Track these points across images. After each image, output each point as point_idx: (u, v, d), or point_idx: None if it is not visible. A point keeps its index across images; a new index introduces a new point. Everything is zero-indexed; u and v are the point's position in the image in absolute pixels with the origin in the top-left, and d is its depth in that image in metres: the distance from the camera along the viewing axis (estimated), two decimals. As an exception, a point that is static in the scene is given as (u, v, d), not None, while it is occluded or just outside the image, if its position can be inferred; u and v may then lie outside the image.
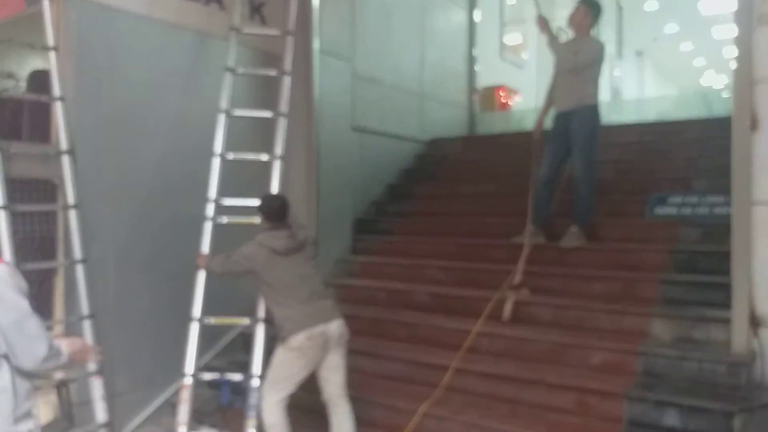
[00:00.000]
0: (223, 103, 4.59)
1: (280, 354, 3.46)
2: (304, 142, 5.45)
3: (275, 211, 3.63)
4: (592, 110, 4.90)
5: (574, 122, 4.87)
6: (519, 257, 4.70)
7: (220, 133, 4.52)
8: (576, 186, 4.88)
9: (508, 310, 4.37)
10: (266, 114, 4.70)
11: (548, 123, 5.20)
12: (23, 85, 4.72)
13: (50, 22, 3.90)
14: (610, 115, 7.43)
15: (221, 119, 4.55)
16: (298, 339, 3.39)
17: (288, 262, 3.52)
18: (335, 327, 3.50)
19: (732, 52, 3.86)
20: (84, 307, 3.89)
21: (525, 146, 5.32)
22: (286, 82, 4.76)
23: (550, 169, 5.01)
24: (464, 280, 5.05)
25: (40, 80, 4.19)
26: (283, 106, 4.68)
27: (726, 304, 3.67)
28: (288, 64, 4.85)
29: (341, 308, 3.66)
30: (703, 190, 4.93)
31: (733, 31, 3.75)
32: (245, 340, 4.67)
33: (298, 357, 3.42)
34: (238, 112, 4.64)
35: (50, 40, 3.89)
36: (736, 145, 3.67)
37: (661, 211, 4.94)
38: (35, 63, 4.69)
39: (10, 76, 5.02)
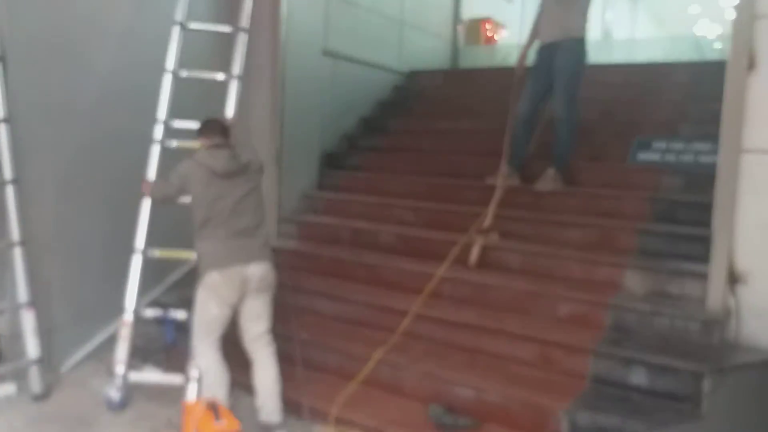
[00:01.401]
0: (178, 15, 4.14)
1: (198, 293, 3.18)
2: (268, 62, 5.00)
3: (215, 126, 3.27)
4: (579, 43, 4.55)
5: (559, 55, 4.52)
6: (491, 200, 4.43)
7: (174, 47, 4.10)
8: (556, 125, 4.58)
9: (475, 254, 4.13)
10: (225, 28, 4.27)
11: (532, 58, 4.84)
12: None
13: None
14: (598, 54, 7.07)
15: (175, 32, 4.12)
16: (212, 277, 3.10)
17: (226, 186, 3.15)
18: (256, 269, 3.15)
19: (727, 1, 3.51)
20: (14, 233, 3.56)
21: (508, 83, 4.95)
22: (248, -2, 4.31)
23: (530, 106, 4.69)
24: (432, 221, 4.77)
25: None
26: (244, 20, 4.25)
27: (704, 258, 3.44)
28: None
29: (301, 245, 3.36)
30: (690, 136, 4.66)
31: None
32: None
33: (211, 297, 3.13)
34: (194, 26, 4.20)
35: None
36: (729, 87, 3.36)
37: (644, 156, 4.66)
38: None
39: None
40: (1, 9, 3.52)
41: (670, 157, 4.55)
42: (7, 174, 3.56)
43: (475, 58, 8.26)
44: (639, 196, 4.34)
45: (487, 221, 4.29)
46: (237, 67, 4.15)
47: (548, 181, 4.55)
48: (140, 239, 3.79)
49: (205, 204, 3.14)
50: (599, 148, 4.98)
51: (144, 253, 3.79)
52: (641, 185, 4.45)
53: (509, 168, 4.69)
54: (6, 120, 3.52)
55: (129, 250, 3.80)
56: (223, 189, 3.15)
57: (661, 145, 4.60)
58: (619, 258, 3.87)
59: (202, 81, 4.16)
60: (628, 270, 3.75)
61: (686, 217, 4.01)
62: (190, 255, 3.82)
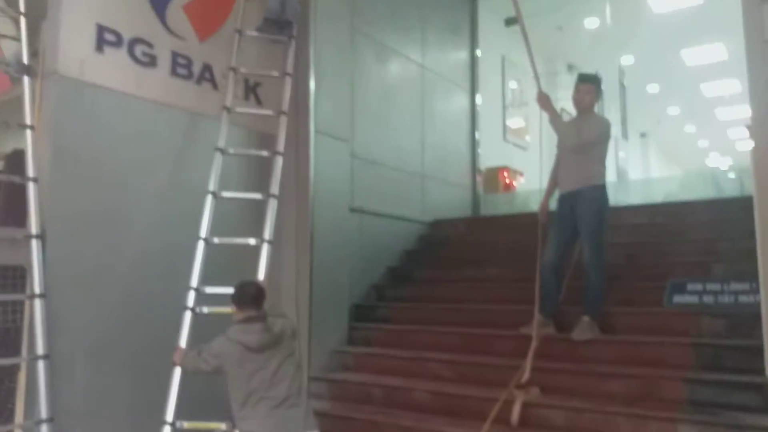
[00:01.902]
0: (212, 185, 4.36)
1: None
2: (297, 224, 5.17)
3: (248, 298, 3.29)
4: (599, 190, 4.64)
5: (580, 203, 4.60)
6: (527, 350, 4.30)
7: (207, 215, 4.27)
8: (586, 272, 4.55)
9: (516, 412, 3.93)
10: (256, 196, 4.46)
11: (553, 204, 4.94)
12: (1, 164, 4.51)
13: (29, 100, 3.73)
14: (617, 196, 7.21)
15: (208, 201, 4.31)
16: None
17: (262, 359, 3.13)
18: None
19: (736, 133, 3.62)
20: (42, 410, 3.50)
21: (530, 228, 5.04)
22: (278, 162, 4.56)
23: (557, 253, 4.69)
24: (468, 376, 4.62)
25: (19, 160, 3.98)
26: (274, 187, 4.45)
27: (764, 410, 3.24)
28: (280, 144, 4.67)
29: (332, 407, 3.25)
30: (725, 276, 4.57)
31: (736, 113, 3.51)
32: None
33: None
34: (227, 194, 4.40)
35: (27, 119, 3.70)
36: (761, 226, 3.35)
37: (680, 299, 4.56)
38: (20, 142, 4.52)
39: (-7, 154, 4.83)
40: (43, 188, 3.72)
41: (708, 299, 4.44)
42: (40, 349, 3.57)
43: (496, 205, 8.47)
44: (680, 341, 4.18)
45: (526, 375, 4.14)
46: (268, 232, 4.28)
47: (584, 329, 4.43)
48: (170, 411, 3.70)
49: (244, 381, 3.11)
50: (631, 292, 4.90)
51: (173, 425, 3.68)
52: (681, 330, 4.32)
53: (542, 317, 4.61)
54: (42, 295, 3.59)
55: (159, 421, 3.70)
56: (259, 363, 3.12)
57: (696, 286, 4.51)
58: (668, 411, 3.65)
59: (233, 245, 4.27)
60: (681, 424, 3.52)
61: (735, 362, 3.84)
62: (219, 426, 3.71)
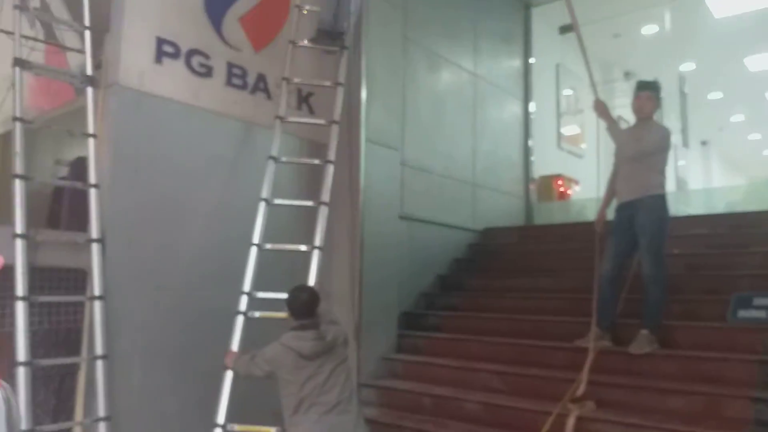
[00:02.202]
0: (264, 192, 4.43)
1: None
2: (348, 231, 5.20)
3: (302, 306, 3.30)
4: (659, 200, 4.48)
5: (640, 214, 4.45)
6: (582, 363, 4.18)
7: (260, 222, 4.33)
8: (644, 284, 4.39)
9: (570, 427, 3.82)
10: (307, 203, 4.51)
11: (611, 214, 4.80)
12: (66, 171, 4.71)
13: (92, 110, 3.88)
14: (676, 206, 6.96)
15: (261, 208, 4.37)
16: None
17: (315, 366, 3.15)
18: None
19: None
20: (101, 408, 3.60)
21: (586, 237, 4.91)
22: (329, 170, 4.59)
23: (615, 265, 4.55)
24: (521, 388, 4.52)
25: (82, 167, 4.14)
26: (325, 194, 4.48)
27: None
28: (332, 153, 4.70)
29: (381, 414, 3.24)
30: (796, 291, 4.34)
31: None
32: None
33: None
34: (279, 201, 4.46)
35: (90, 128, 3.85)
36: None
37: (745, 314, 4.34)
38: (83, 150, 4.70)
39: (58, 162, 5.04)
40: (103, 194, 3.85)
41: (777, 315, 4.22)
42: (98, 350, 3.68)
43: (550, 214, 8.30)
44: (745, 358, 3.98)
45: (581, 388, 4.02)
46: (318, 239, 4.31)
47: (643, 342, 4.27)
48: (221, 414, 3.75)
49: (296, 387, 3.13)
50: (691, 305, 4.70)
51: (224, 427, 3.73)
52: (746, 346, 4.11)
53: (599, 329, 4.47)
54: (101, 297, 3.70)
55: (210, 423, 3.76)
56: (311, 370, 3.15)
57: (763, 301, 4.29)
58: (732, 431, 3.47)
59: (285, 252, 4.32)
60: (748, 445, 3.35)
61: (806, 382, 3.63)
62: (270, 430, 3.73)
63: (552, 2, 8.22)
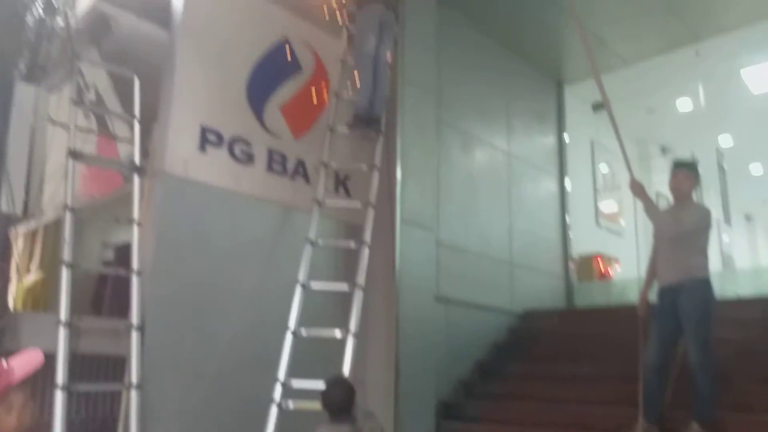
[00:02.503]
0: (301, 276, 4.45)
1: None
2: (384, 315, 5.15)
3: (337, 404, 3.24)
4: (704, 284, 4.32)
5: (683, 299, 4.29)
6: (630, 459, 3.96)
7: (296, 306, 4.34)
8: (692, 373, 4.19)
9: None
10: (342, 287, 4.50)
11: (653, 297, 4.65)
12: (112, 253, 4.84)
13: (137, 197, 4.01)
14: (723, 286, 6.72)
15: (298, 292, 4.39)
16: None
17: None
18: None
19: None
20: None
21: (629, 321, 4.74)
22: (365, 253, 4.61)
23: (660, 352, 4.36)
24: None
25: (127, 252, 4.25)
26: (360, 278, 4.48)
27: None
28: (367, 235, 4.73)
29: None
30: None
31: None
32: None
33: None
34: (315, 286, 4.47)
35: (135, 215, 3.97)
36: None
37: (805, 406, 4.09)
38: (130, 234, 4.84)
39: (105, 245, 5.19)
40: (145, 280, 3.92)
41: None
42: (133, 440, 3.65)
43: (591, 294, 8.10)
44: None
45: (629, 486, 3.79)
46: (353, 324, 4.28)
47: (694, 437, 4.04)
48: None
49: None
50: (746, 395, 4.44)
51: None
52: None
53: (646, 421, 4.25)
54: (139, 386, 3.71)
55: None
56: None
57: (823, 393, 4.05)
58: None
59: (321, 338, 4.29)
60: None
61: None
62: None
63: (584, 80, 8.33)
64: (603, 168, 9.78)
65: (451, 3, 6.56)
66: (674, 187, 4.59)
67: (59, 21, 4.01)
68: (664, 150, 10.39)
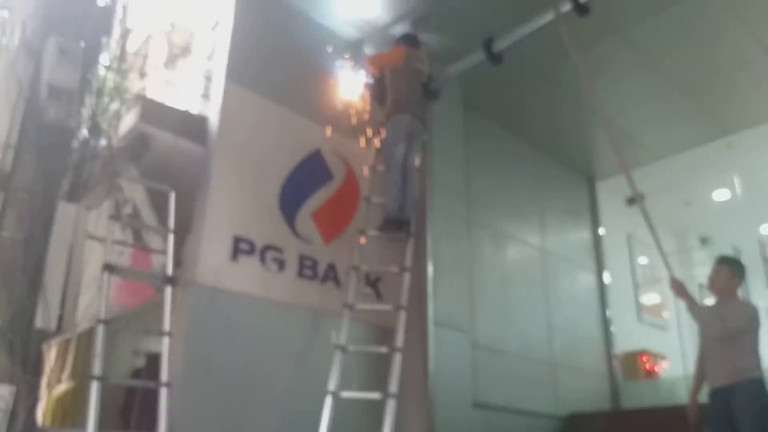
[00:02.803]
0: (332, 384, 4.36)
1: None
2: (419, 424, 4.95)
3: None
4: (758, 384, 4.07)
5: (738, 401, 4.04)
6: None
7: (326, 418, 4.22)
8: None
9: None
10: (374, 396, 4.38)
11: (704, 398, 4.39)
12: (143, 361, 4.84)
13: (168, 309, 4.06)
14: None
15: (328, 402, 4.28)
16: None
17: None
18: None
19: None
20: None
21: (680, 424, 4.46)
22: (397, 359, 4.50)
23: (717, 460, 4.06)
24: None
25: (157, 362, 4.24)
26: (393, 386, 4.35)
27: None
28: (399, 339, 4.64)
29: None
30: None
31: None
32: None
33: None
34: (346, 394, 4.36)
35: (166, 326, 4.00)
36: None
37: None
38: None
39: (136, 353, 5.21)
40: (175, 392, 3.87)
41: None
42: None
43: (638, 394, 7.69)
44: None
45: None
46: (387, 435, 4.12)
47: None
48: None
49: None
50: None
51: None
52: None
53: None
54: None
55: None
56: None
57: None
58: None
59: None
60: None
61: None
62: None
63: (615, 175, 8.31)
64: (642, 260, 9.57)
65: (477, 106, 6.76)
66: (718, 286, 4.44)
67: (102, 141, 4.25)
68: (704, 241, 10.14)
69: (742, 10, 5.54)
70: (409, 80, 5.33)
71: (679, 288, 4.51)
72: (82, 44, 3.83)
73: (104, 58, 4.27)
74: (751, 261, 10.26)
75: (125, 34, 4.49)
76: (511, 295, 6.71)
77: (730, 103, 6.97)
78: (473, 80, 6.08)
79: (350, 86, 5.60)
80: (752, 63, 6.23)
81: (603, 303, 8.18)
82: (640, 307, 9.21)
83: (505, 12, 5.26)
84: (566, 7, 4.76)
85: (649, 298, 9.59)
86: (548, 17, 4.89)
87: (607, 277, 8.33)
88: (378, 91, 5.46)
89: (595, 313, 8.06)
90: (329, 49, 5.65)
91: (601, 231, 8.59)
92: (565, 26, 4.76)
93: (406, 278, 5.02)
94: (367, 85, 5.59)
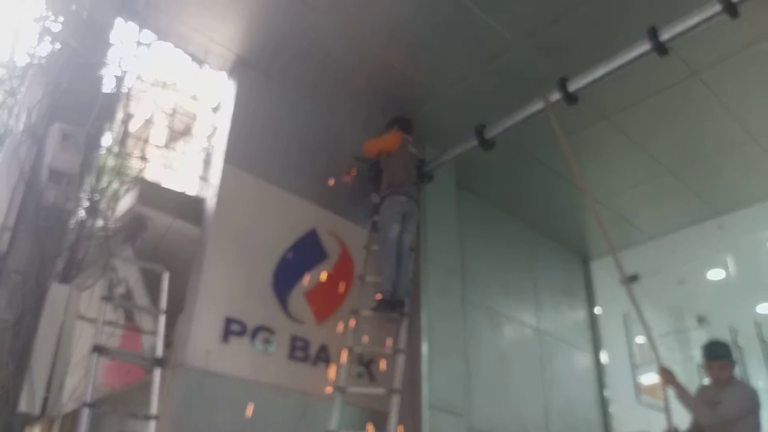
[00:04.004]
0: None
1: None
2: None
3: None
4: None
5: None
6: None
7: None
8: None
9: None
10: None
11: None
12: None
13: (156, 391, 3.98)
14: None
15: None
16: None
17: None
18: None
19: None
20: None
21: None
22: (390, 445, 4.40)
23: None
24: None
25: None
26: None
27: None
28: (392, 424, 4.55)
29: None
30: None
31: None
32: None
33: None
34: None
35: (153, 409, 3.91)
36: None
37: None
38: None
39: (123, 435, 5.06)
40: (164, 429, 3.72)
41: None
42: None
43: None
44: None
45: None
46: None
47: None
48: None
49: None
50: None
51: None
52: None
53: None
54: None
55: None
56: None
57: None
58: None
59: None
60: None
61: None
62: None
63: (608, 255, 8.39)
64: (639, 340, 9.46)
65: (471, 187, 6.88)
66: (714, 377, 4.38)
67: (99, 221, 4.29)
68: (700, 320, 10.08)
69: (723, 96, 5.73)
70: (404, 164, 5.48)
71: (667, 376, 4.43)
72: (85, 130, 3.92)
73: (106, 142, 4.37)
74: (747, 341, 10.20)
75: (127, 118, 4.61)
76: (507, 376, 6.61)
77: (719, 185, 7.09)
78: (466, 162, 6.22)
79: (346, 167, 5.72)
80: (738, 147, 6.40)
81: (601, 384, 8.04)
82: (638, 388, 9.04)
83: (496, 101, 5.46)
84: (555, 96, 4.94)
85: (648, 379, 9.43)
86: (538, 106, 5.06)
87: (604, 357, 8.22)
88: (374, 173, 5.59)
89: (593, 394, 7.91)
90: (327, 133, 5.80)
91: (597, 310, 8.55)
92: (554, 114, 4.93)
93: (400, 360, 4.97)
94: (362, 168, 5.72)
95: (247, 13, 5.11)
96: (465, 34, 5.07)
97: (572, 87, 4.91)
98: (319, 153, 5.62)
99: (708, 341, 4.59)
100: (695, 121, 6.15)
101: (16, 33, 4.46)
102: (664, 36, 4.43)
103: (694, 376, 8.50)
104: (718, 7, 4.15)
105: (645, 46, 4.51)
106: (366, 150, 5.64)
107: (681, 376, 4.66)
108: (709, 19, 4.24)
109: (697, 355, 7.82)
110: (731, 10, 4.11)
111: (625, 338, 9.22)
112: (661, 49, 4.47)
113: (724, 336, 9.01)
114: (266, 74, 5.53)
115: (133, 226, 4.72)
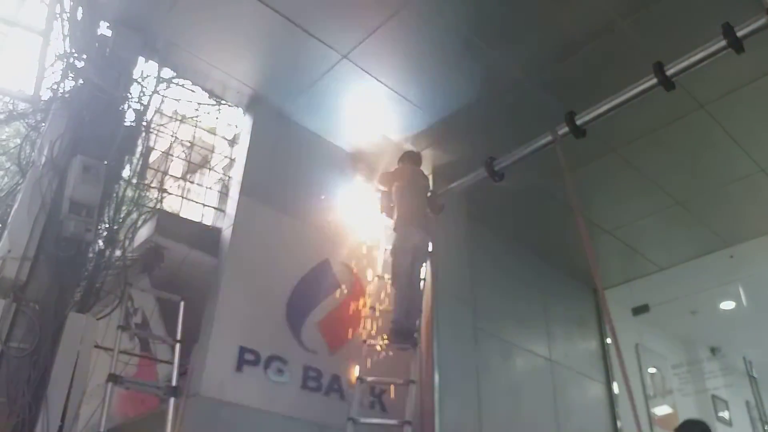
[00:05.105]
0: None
1: None
2: None
3: None
4: None
5: None
6: None
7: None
8: None
9: None
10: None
11: None
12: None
13: (171, 421, 4.00)
14: None
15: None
16: None
17: None
18: None
19: None
20: None
21: None
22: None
23: None
24: None
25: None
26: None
27: None
28: (405, 457, 4.53)
29: None
30: None
31: None
32: None
33: None
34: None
35: (168, 438, 3.94)
36: None
37: None
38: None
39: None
40: None
41: None
42: None
43: None
44: None
45: None
46: None
47: None
48: None
49: None
50: None
51: None
52: None
53: None
54: None
55: None
56: None
57: None
58: None
59: None
60: None
61: None
62: None
63: (619, 285, 8.39)
64: (651, 370, 9.38)
65: (481, 217, 6.93)
66: None
67: (117, 252, 4.38)
68: (714, 351, 9.97)
69: (730, 128, 5.81)
70: (414, 195, 5.55)
71: None
72: (106, 162, 4.03)
73: (125, 174, 4.48)
74: (763, 372, 10.05)
75: (147, 151, 4.73)
76: (519, 406, 6.57)
77: (728, 215, 7.11)
78: (476, 193, 6.28)
79: (359, 198, 5.81)
80: (745, 178, 6.45)
81: (614, 414, 7.96)
82: (652, 419, 8.92)
83: (505, 134, 5.55)
84: (563, 130, 5.02)
85: (662, 410, 9.31)
86: (547, 139, 5.14)
87: (616, 388, 8.15)
88: (386, 205, 5.68)
89: (606, 425, 7.83)
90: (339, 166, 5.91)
91: (609, 340, 8.49)
92: (561, 147, 5.00)
93: (412, 391, 4.96)
94: (376, 199, 5.81)
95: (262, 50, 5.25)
96: (473, 68, 5.21)
97: (580, 120, 4.99)
98: (333, 184, 5.72)
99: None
100: (703, 153, 6.21)
101: (41, 69, 4.60)
102: (671, 71, 4.51)
103: (708, 408, 8.41)
104: (723, 43, 4.24)
105: (651, 81, 4.60)
106: (379, 182, 5.75)
107: (694, 408, 4.62)
108: (715, 54, 4.32)
109: (711, 386, 7.78)
110: (737, 45, 4.20)
111: (637, 368, 9.14)
112: (667, 83, 4.55)
113: (739, 367, 8.95)
114: (280, 111, 5.66)
115: (151, 256, 4.80)
